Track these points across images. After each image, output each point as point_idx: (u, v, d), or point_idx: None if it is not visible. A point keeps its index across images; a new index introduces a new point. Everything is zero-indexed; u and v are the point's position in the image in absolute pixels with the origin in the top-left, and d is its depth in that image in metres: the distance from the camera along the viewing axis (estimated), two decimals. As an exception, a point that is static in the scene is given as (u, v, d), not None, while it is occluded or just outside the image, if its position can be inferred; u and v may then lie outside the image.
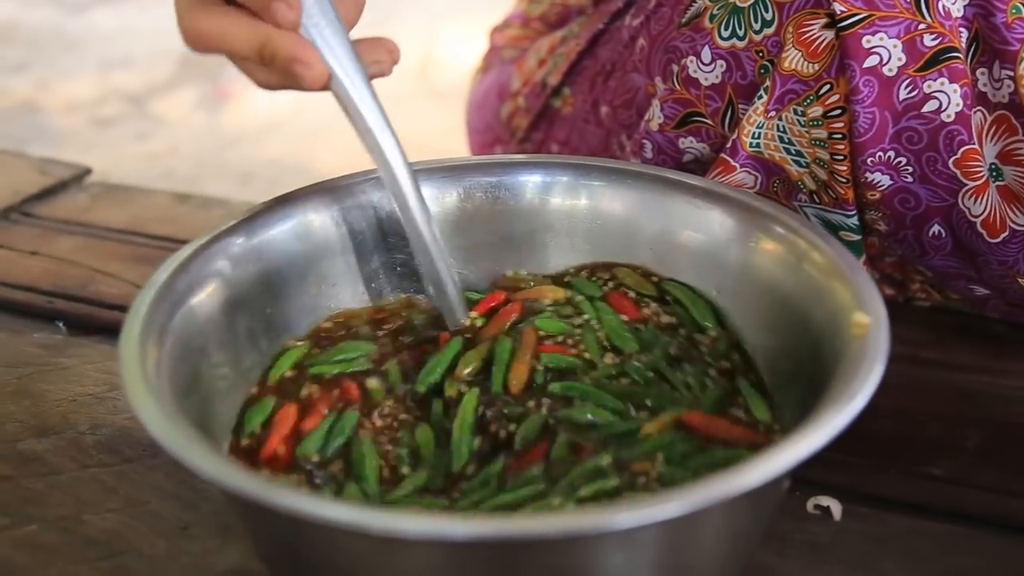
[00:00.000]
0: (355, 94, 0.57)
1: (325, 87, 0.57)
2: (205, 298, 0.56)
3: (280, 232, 0.61)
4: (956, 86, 0.62)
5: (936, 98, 0.62)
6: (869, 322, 0.48)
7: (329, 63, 0.56)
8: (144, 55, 2.96)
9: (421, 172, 0.64)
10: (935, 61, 0.62)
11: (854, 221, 0.68)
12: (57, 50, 3.08)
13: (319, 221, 0.62)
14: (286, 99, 2.74)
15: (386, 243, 0.65)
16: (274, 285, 0.61)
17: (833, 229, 0.69)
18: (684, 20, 0.70)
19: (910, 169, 0.65)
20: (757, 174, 0.69)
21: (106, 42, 3.10)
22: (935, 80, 0.62)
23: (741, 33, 0.67)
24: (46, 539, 0.60)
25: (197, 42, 0.57)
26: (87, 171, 1.09)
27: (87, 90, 2.84)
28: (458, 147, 1.07)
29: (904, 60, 0.62)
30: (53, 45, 3.11)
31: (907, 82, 0.62)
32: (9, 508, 0.62)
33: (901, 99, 0.63)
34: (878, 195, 0.66)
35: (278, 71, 0.56)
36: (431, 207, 0.62)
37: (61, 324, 0.82)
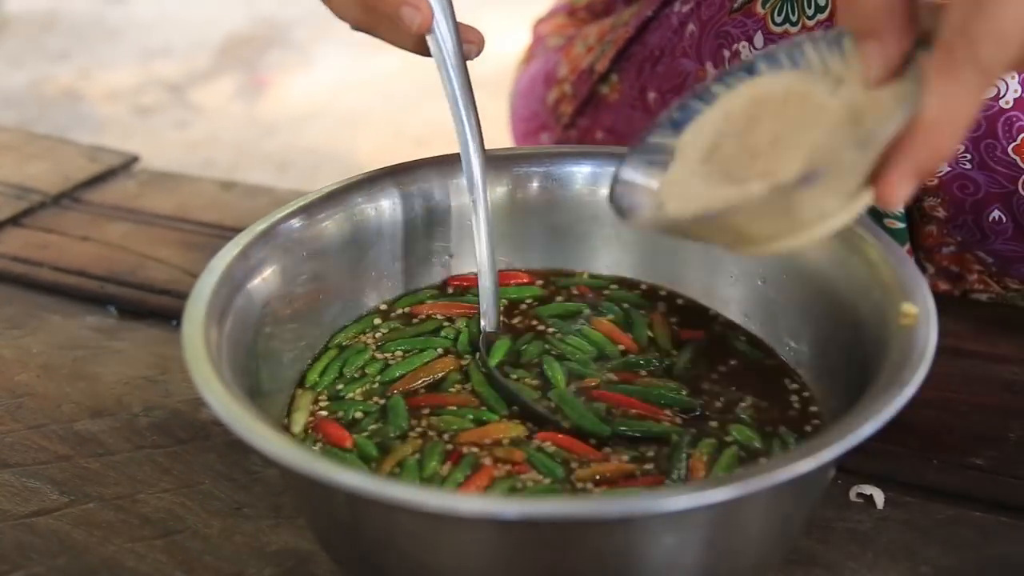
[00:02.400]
0: (449, 61, 0.60)
1: (421, 34, 0.58)
2: (261, 283, 0.57)
3: (335, 220, 0.62)
4: (1014, 72, 0.62)
5: (994, 84, 0.62)
6: (917, 312, 0.49)
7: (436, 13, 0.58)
8: (183, 44, 2.98)
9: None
10: None
11: (900, 208, 0.68)
12: (98, 39, 3.11)
13: (372, 210, 0.63)
14: (324, 88, 2.76)
15: (432, 233, 0.66)
16: (327, 271, 0.62)
17: (879, 216, 0.69)
18: (736, 6, 0.71)
19: (968, 156, 0.65)
20: None
21: (145, 31, 3.12)
22: None
23: (794, 18, 0.67)
24: (103, 517, 0.62)
25: None
26: (135, 158, 1.10)
27: (128, 79, 2.86)
28: (497, 136, 1.08)
29: None
30: (94, 34, 3.14)
31: None
32: (67, 487, 0.64)
33: None
34: (935, 181, 0.66)
35: (384, 8, 0.57)
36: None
37: (112, 308, 0.84)
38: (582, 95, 0.92)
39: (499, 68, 1.28)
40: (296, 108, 2.67)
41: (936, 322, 0.48)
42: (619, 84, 0.88)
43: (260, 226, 0.59)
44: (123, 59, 2.97)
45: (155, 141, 2.43)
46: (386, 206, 0.64)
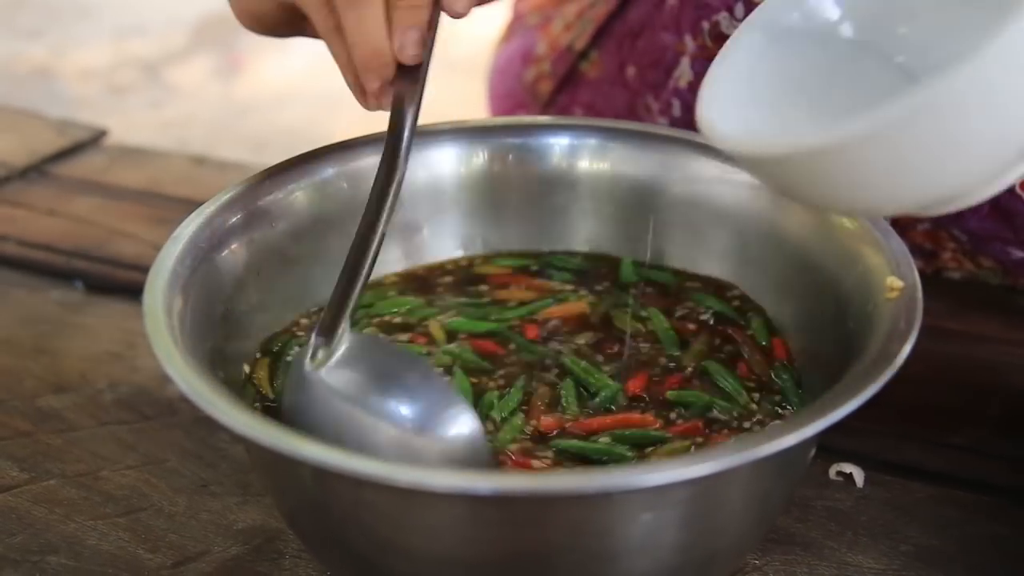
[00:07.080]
0: None
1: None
2: (228, 253, 0.56)
3: (304, 189, 0.60)
4: None
5: None
6: (903, 285, 0.48)
7: None
8: (158, 23, 2.95)
9: (448, 133, 0.64)
10: None
11: None
12: (71, 17, 3.06)
13: (343, 179, 0.62)
14: (300, 67, 2.73)
15: (403, 204, 0.64)
16: (297, 241, 0.60)
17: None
18: None
19: None
20: None
21: (120, 10, 3.08)
22: None
23: None
24: (65, 494, 0.60)
25: None
26: (104, 132, 1.08)
27: (102, 57, 2.83)
28: (474, 116, 1.07)
29: None
30: (67, 12, 3.09)
31: None
32: (28, 463, 0.62)
33: None
34: None
35: None
36: (458, 167, 0.62)
37: (79, 283, 0.82)
38: (561, 73, 0.91)
39: (476, 50, 1.26)
40: (272, 88, 2.65)
41: (921, 296, 0.47)
42: (599, 61, 0.87)
43: (227, 195, 0.57)
44: (96, 37, 2.94)
45: (129, 121, 2.40)
46: (358, 176, 0.62)
